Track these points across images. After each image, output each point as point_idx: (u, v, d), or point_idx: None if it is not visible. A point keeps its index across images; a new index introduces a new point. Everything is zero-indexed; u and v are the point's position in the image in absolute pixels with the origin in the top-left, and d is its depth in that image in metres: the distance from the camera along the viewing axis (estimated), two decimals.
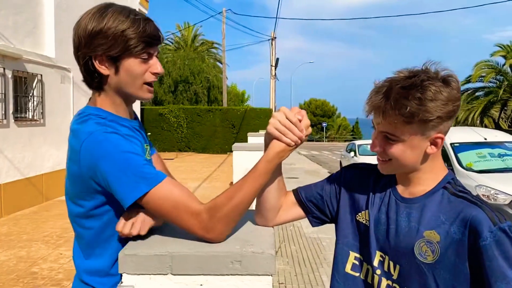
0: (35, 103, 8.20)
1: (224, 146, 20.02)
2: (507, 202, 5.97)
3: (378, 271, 1.14)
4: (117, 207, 1.17)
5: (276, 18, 20.54)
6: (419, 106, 1.00)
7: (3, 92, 7.15)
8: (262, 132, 12.07)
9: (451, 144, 7.39)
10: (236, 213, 1.10)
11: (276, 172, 1.18)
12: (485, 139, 7.57)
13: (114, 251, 1.21)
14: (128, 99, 1.22)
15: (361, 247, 1.20)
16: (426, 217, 1.07)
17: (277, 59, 20.40)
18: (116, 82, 1.16)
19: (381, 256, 1.14)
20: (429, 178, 1.11)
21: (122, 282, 1.07)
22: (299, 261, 5.21)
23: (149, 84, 1.19)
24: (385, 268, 1.13)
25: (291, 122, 1.07)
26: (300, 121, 1.08)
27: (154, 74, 1.18)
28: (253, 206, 1.24)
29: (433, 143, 1.07)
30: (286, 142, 1.08)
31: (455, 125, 26.36)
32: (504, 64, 25.40)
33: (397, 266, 1.10)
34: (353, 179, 1.25)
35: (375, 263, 1.14)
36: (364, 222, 1.18)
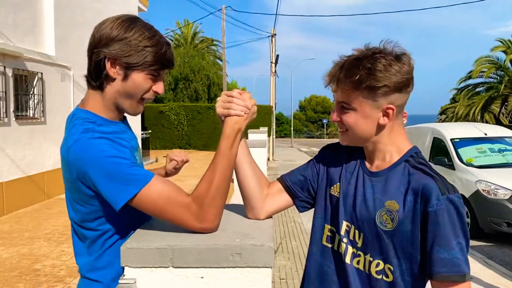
0: (35, 101, 8.22)
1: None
2: (507, 197, 5.98)
3: (345, 240, 1.20)
4: (111, 211, 1.17)
5: (276, 14, 20.52)
6: (368, 75, 1.09)
7: (4, 90, 7.16)
8: (263, 129, 12.08)
9: (451, 139, 7.40)
10: (221, 195, 1.13)
11: (246, 159, 1.25)
12: (485, 134, 7.57)
13: (112, 257, 1.25)
14: (118, 108, 1.25)
15: (332, 218, 1.25)
16: (388, 188, 1.14)
17: (277, 56, 20.38)
18: (119, 88, 1.20)
19: (347, 225, 1.20)
20: (392, 151, 1.18)
21: (124, 275, 1.09)
22: (300, 256, 5.24)
23: (143, 99, 1.24)
24: (351, 237, 1.19)
25: (231, 97, 1.15)
26: (240, 94, 1.16)
27: (155, 92, 1.24)
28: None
29: (385, 114, 1.13)
30: (234, 114, 1.14)
31: (455, 121, 26.36)
32: (504, 60, 25.35)
33: (361, 235, 1.17)
34: (329, 157, 1.32)
35: (342, 232, 1.21)
36: (335, 194, 1.24)
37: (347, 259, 1.20)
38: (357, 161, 1.25)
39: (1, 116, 7.13)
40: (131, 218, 1.25)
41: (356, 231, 1.18)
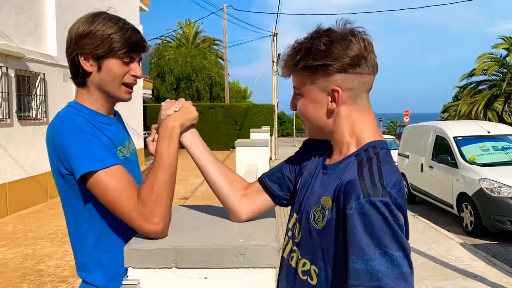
0: (38, 102, 8.24)
1: (226, 143, 20.01)
2: (511, 195, 5.96)
3: (290, 233, 1.16)
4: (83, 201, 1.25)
5: (278, 13, 20.51)
6: (307, 54, 1.01)
7: (7, 91, 7.18)
8: (265, 128, 12.07)
9: (454, 137, 7.38)
10: (164, 195, 1.13)
11: (208, 162, 1.24)
12: (489, 132, 7.55)
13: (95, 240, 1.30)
14: (108, 98, 1.31)
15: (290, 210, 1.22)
16: (328, 184, 1.04)
17: (279, 55, 20.32)
18: (98, 80, 1.27)
19: (295, 218, 1.15)
20: (350, 143, 1.06)
21: (127, 276, 1.09)
22: None
23: (128, 86, 1.30)
24: (294, 231, 1.14)
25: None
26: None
27: (133, 76, 1.29)
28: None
29: (332, 98, 1.03)
30: (162, 115, 1.22)
31: (458, 119, 26.29)
32: (506, 56, 25.26)
33: (301, 230, 1.10)
34: (306, 151, 1.25)
35: (290, 225, 1.17)
36: (297, 187, 1.19)
37: (285, 253, 1.16)
38: (325, 154, 1.16)
39: (4, 117, 7.15)
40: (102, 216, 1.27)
41: (297, 225, 1.12)
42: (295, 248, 1.11)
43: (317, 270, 1.02)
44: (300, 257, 1.07)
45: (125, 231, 1.28)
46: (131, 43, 1.25)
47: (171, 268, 1.08)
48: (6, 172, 7.14)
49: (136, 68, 1.29)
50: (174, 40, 35.44)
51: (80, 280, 1.42)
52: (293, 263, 1.11)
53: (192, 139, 1.26)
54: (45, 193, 8.21)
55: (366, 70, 1.02)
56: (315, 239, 1.02)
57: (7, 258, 5.00)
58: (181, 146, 1.24)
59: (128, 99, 1.33)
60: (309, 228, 1.05)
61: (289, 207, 1.27)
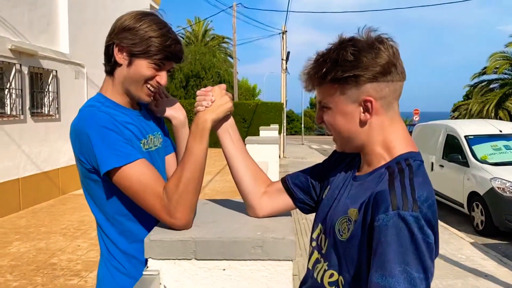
0: (50, 98, 8.34)
1: (241, 139, 19.98)
2: None
3: (314, 243, 1.15)
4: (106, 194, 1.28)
5: (287, 11, 20.46)
6: (334, 66, 0.97)
7: (20, 88, 7.28)
8: (274, 126, 12.07)
9: (465, 136, 7.31)
10: (190, 191, 1.15)
11: (238, 154, 1.25)
12: (500, 131, 7.47)
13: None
14: (128, 94, 1.33)
15: (314, 221, 1.20)
16: (357, 195, 1.02)
17: (288, 53, 20.30)
18: (125, 74, 1.29)
19: (320, 229, 1.13)
20: (382, 154, 1.02)
21: (148, 267, 1.12)
22: None
23: (150, 89, 1.31)
24: (319, 242, 1.12)
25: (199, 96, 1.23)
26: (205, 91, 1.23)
27: (157, 83, 1.30)
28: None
29: (365, 108, 0.99)
30: (196, 110, 1.21)
31: (469, 118, 26.01)
32: None
33: (327, 241, 1.08)
34: (335, 160, 1.23)
35: (314, 235, 1.15)
36: (324, 197, 1.17)
37: (310, 264, 1.14)
38: (355, 165, 1.13)
39: (18, 113, 7.25)
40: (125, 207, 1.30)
41: (323, 236, 1.10)
42: (321, 259, 1.10)
43: (343, 281, 1.01)
44: (326, 268, 1.06)
45: (149, 221, 1.32)
46: (168, 52, 1.27)
47: (191, 259, 1.10)
48: (19, 167, 7.24)
49: (163, 76, 1.30)
50: (183, 38, 35.53)
51: (92, 274, 1.45)
52: (319, 275, 1.09)
53: (225, 130, 1.26)
54: (56, 189, 8.31)
55: (397, 77, 0.99)
56: (340, 250, 1.01)
57: (21, 252, 5.08)
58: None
59: (147, 102, 1.35)
60: (334, 240, 1.03)
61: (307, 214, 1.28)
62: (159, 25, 1.27)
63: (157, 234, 1.14)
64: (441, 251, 5.21)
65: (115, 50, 1.27)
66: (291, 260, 1.09)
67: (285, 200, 1.24)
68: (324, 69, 0.99)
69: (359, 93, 0.98)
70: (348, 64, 0.96)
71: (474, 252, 5.26)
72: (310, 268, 1.14)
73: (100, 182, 1.26)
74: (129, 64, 1.28)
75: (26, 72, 7.47)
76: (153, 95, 1.35)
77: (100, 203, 1.32)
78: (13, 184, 7.09)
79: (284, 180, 1.26)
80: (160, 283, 1.11)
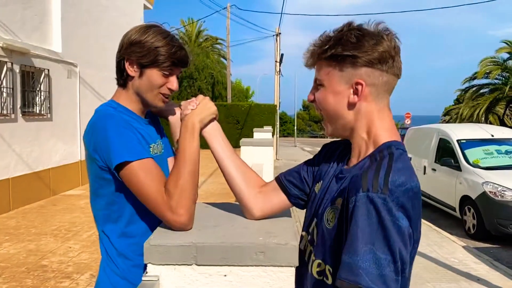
0: (42, 97, 8.25)
1: (229, 142, 20.01)
2: None
3: (309, 237, 1.14)
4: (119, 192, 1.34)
5: (281, 13, 20.47)
6: (337, 44, 1.01)
7: (11, 86, 7.19)
8: (267, 128, 12.08)
9: (457, 140, 7.37)
10: (189, 189, 1.20)
11: (226, 156, 1.27)
12: (492, 135, 7.54)
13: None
14: (143, 102, 1.41)
15: (306, 216, 1.20)
16: (343, 186, 1.03)
17: (282, 55, 20.33)
18: (138, 85, 1.37)
19: (315, 223, 1.12)
20: (367, 144, 1.04)
21: (147, 272, 1.09)
22: None
23: (163, 95, 1.38)
24: (314, 235, 1.11)
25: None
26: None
27: (169, 89, 1.38)
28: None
29: (355, 91, 1.02)
30: (183, 113, 1.28)
31: (460, 122, 26.28)
32: (508, 59, 25.23)
33: (318, 233, 1.09)
34: (325, 154, 1.24)
35: (309, 228, 1.15)
36: (316, 191, 1.17)
37: (306, 257, 1.14)
38: (345, 157, 1.15)
39: (8, 112, 7.15)
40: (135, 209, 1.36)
41: (315, 228, 1.11)
42: (313, 251, 1.10)
43: (331, 270, 1.01)
44: (314, 258, 1.07)
45: (152, 223, 1.36)
46: (175, 59, 1.34)
47: (191, 265, 1.08)
48: (9, 167, 7.14)
49: (173, 81, 1.38)
50: None
51: (84, 277, 1.49)
52: (310, 267, 1.10)
53: (213, 133, 1.30)
54: (47, 189, 8.21)
55: (392, 70, 1.01)
56: (327, 239, 1.02)
57: (11, 253, 5.00)
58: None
59: (162, 107, 1.42)
60: (322, 230, 1.05)
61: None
62: (163, 34, 1.35)
63: (157, 238, 1.12)
64: (433, 255, 5.24)
65: (126, 64, 1.36)
66: (294, 266, 1.08)
67: (280, 198, 1.24)
68: (327, 46, 1.02)
69: (353, 75, 1.01)
70: (350, 45, 0.99)
71: (466, 256, 5.30)
72: (306, 260, 1.14)
73: (112, 181, 1.32)
74: (141, 75, 1.36)
75: (17, 70, 7.38)
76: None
77: (108, 202, 1.37)
78: (3, 184, 6.99)
79: (277, 178, 1.27)
80: None
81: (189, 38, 35.02)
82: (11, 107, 7.19)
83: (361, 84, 1.00)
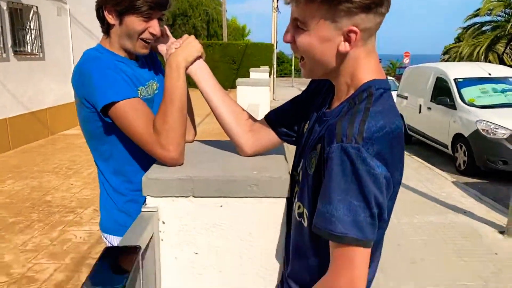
0: (33, 36, 8.01)
1: (224, 82, 19.76)
2: (505, 136, 6.08)
3: (296, 177, 1.10)
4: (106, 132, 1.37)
5: None
6: None
7: (0, 24, 6.96)
8: (264, 68, 11.90)
9: (454, 79, 7.34)
10: (178, 124, 1.23)
11: (215, 96, 1.28)
12: (490, 74, 7.50)
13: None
14: (126, 49, 1.40)
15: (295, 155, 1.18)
16: (322, 132, 0.99)
17: None
18: (119, 33, 1.36)
19: (300, 163, 1.09)
20: (349, 86, 0.98)
21: (146, 204, 1.16)
22: None
23: (144, 41, 1.37)
24: (300, 176, 1.08)
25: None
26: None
27: (151, 34, 1.35)
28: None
29: (346, 38, 0.91)
30: (167, 51, 1.30)
31: (459, 61, 25.91)
32: None
33: (302, 175, 1.06)
34: (314, 89, 1.18)
35: (297, 168, 1.11)
36: (304, 131, 1.14)
37: (293, 197, 1.11)
38: (328, 100, 1.08)
39: (0, 51, 6.99)
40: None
41: (301, 171, 1.07)
42: (297, 193, 1.08)
43: (307, 214, 1.00)
44: (296, 199, 1.07)
45: (145, 161, 1.38)
46: (151, 2, 1.31)
47: (188, 197, 1.15)
48: (6, 107, 7.13)
49: (154, 25, 1.35)
50: None
51: (87, 211, 1.58)
52: (294, 206, 1.09)
53: (200, 71, 1.29)
54: (45, 129, 8.26)
55: (385, 9, 0.91)
56: (307, 184, 1.00)
57: (15, 190, 5.16)
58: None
59: (145, 53, 1.40)
60: (304, 174, 1.02)
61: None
62: None
63: (155, 172, 1.18)
64: (424, 190, 5.44)
65: (105, 13, 1.34)
66: (285, 198, 1.15)
67: (270, 135, 1.25)
68: None
69: (347, 22, 0.89)
70: None
71: (454, 190, 5.51)
72: (294, 200, 1.12)
73: (100, 122, 1.35)
74: (121, 23, 1.34)
75: (5, 7, 7.11)
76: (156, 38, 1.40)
77: (98, 142, 1.42)
78: (1, 124, 7.02)
79: (267, 116, 1.27)
80: (159, 219, 1.16)
81: None
82: (1, 46, 7.02)
83: (355, 32, 0.89)
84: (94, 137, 1.42)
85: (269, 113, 1.28)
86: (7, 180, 5.58)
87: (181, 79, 1.24)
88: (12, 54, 7.31)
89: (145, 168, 1.24)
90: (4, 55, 7.07)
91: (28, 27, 7.93)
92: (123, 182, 1.45)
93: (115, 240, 1.49)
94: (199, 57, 1.29)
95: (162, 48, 1.44)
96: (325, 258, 0.90)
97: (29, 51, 7.96)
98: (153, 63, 1.55)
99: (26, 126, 7.63)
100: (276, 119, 1.25)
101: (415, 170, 6.53)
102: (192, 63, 1.27)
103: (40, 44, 8.16)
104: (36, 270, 3.27)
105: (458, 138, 6.83)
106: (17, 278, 3.16)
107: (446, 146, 7.28)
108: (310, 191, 0.98)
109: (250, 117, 1.32)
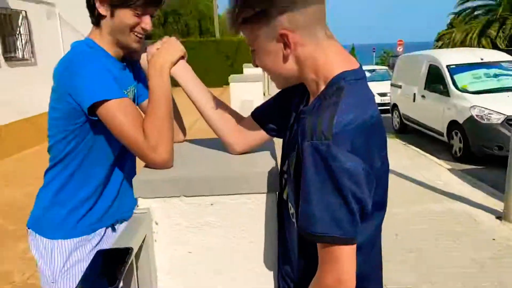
0: (23, 41, 7.97)
1: (219, 79, 19.66)
2: (500, 121, 6.10)
3: (286, 175, 1.10)
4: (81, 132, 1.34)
5: None
6: (244, 7, 0.94)
7: None
8: None
9: (447, 66, 7.35)
10: (166, 126, 1.24)
11: (201, 96, 1.29)
12: (482, 59, 7.52)
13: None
14: (118, 43, 1.36)
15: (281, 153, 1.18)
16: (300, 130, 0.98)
17: None
18: (110, 25, 1.32)
19: (286, 162, 1.09)
20: (318, 83, 0.97)
21: (138, 206, 1.17)
22: None
23: (137, 35, 1.34)
24: (287, 175, 1.07)
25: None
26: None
27: (143, 29, 1.33)
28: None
29: (284, 43, 0.94)
30: (149, 54, 1.32)
31: (452, 47, 25.89)
32: None
33: (288, 174, 1.06)
34: (293, 86, 1.14)
35: (283, 167, 1.12)
36: (289, 126, 1.14)
37: (285, 195, 1.11)
38: (305, 97, 1.09)
39: None
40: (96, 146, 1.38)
41: (287, 171, 1.06)
42: (287, 191, 1.09)
43: (294, 214, 1.00)
44: (287, 198, 1.08)
45: (102, 184, 1.43)
46: None
47: (179, 196, 1.16)
48: (1, 115, 7.10)
49: (147, 21, 1.33)
50: None
51: None
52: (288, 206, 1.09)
53: (184, 72, 1.30)
54: (40, 134, 8.22)
55: (309, 1, 0.91)
56: (291, 185, 1.00)
57: (13, 197, 5.15)
58: (174, 84, 1.29)
59: (137, 48, 1.37)
60: (288, 174, 1.03)
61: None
62: None
63: (145, 174, 1.19)
64: (420, 178, 5.46)
65: (97, 3, 1.29)
66: (276, 192, 1.16)
67: (258, 132, 1.25)
68: (237, 11, 0.95)
69: (272, 29, 0.93)
70: (254, 0, 0.92)
71: (451, 178, 5.53)
72: (285, 198, 1.12)
73: (79, 119, 1.31)
74: (112, 14, 1.30)
75: None
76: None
77: (68, 138, 1.36)
78: None
79: (253, 113, 1.27)
80: (152, 219, 1.17)
81: None
82: None
83: (286, 35, 0.92)
84: (64, 131, 1.35)
85: (255, 109, 1.29)
86: (4, 187, 5.57)
87: (166, 79, 1.25)
88: (3, 60, 7.28)
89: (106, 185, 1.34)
90: None
91: (18, 32, 7.89)
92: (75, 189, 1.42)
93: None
94: (181, 58, 1.30)
95: (142, 55, 1.42)
96: (315, 257, 0.91)
97: (21, 56, 7.92)
98: (133, 68, 1.52)
99: (21, 133, 7.60)
100: (262, 115, 1.25)
101: (411, 159, 6.56)
102: (175, 64, 1.28)
103: (31, 49, 8.12)
104: (38, 278, 3.27)
105: (453, 125, 6.85)
106: (20, 286, 3.17)
107: (441, 134, 7.30)
108: (293, 191, 0.98)
109: (237, 115, 1.32)
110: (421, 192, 4.97)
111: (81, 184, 1.42)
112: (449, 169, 5.96)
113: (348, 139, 0.84)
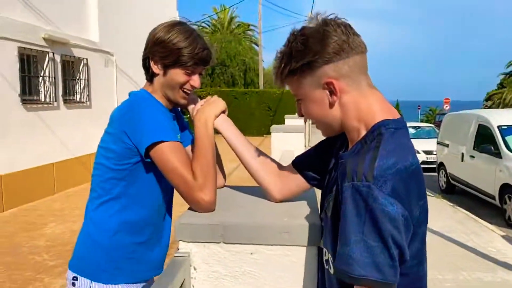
0: (81, 86, 8.57)
1: (260, 129, 20.06)
2: None
3: (322, 222, 1.11)
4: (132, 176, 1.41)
5: None
6: (290, 60, 1.00)
7: (53, 75, 7.51)
8: None
9: (498, 126, 7.09)
10: (211, 171, 1.30)
11: (241, 147, 1.34)
12: None
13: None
14: (167, 98, 1.48)
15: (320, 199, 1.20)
16: (340, 173, 0.99)
17: None
18: (162, 81, 1.44)
19: (323, 206, 1.11)
20: (359, 130, 1.00)
21: (178, 249, 1.16)
22: None
23: (185, 92, 1.45)
24: (323, 220, 1.09)
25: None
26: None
27: (192, 86, 1.45)
28: None
29: (330, 91, 0.99)
30: (194, 108, 1.44)
31: (502, 107, 25.09)
32: None
33: (325, 219, 1.07)
34: (334, 136, 1.18)
35: (322, 214, 1.11)
36: (328, 174, 1.15)
37: (321, 244, 1.11)
38: (345, 144, 1.12)
39: (51, 100, 7.50)
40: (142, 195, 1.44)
41: (324, 214, 1.08)
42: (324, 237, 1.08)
43: (332, 259, 0.98)
44: (322, 246, 1.07)
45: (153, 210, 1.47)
46: (197, 59, 1.41)
47: (219, 243, 1.14)
48: (53, 153, 7.51)
49: (196, 79, 1.45)
50: (209, 26, 35.57)
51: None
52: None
53: (225, 124, 1.38)
54: (88, 173, 8.56)
55: (352, 52, 0.97)
56: (328, 228, 1.00)
57: (57, 233, 5.31)
58: (217, 132, 1.36)
59: (183, 104, 1.48)
60: (325, 217, 1.03)
61: None
62: (186, 33, 1.40)
63: (186, 218, 1.19)
64: (470, 244, 5.12)
65: (151, 63, 1.43)
66: (317, 246, 1.11)
67: (298, 181, 1.26)
68: (283, 65, 1.02)
69: (318, 78, 0.99)
70: (300, 54, 0.98)
71: (505, 246, 5.14)
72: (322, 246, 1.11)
73: (133, 160, 1.38)
74: (165, 73, 1.42)
75: (58, 60, 7.69)
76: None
77: (119, 179, 1.42)
78: (48, 168, 7.37)
79: (293, 161, 1.29)
80: (190, 265, 1.15)
81: (221, 25, 35.05)
82: (53, 95, 7.53)
83: (332, 83, 0.98)
84: (117, 171, 1.41)
85: (296, 157, 1.31)
86: (50, 223, 5.76)
87: (211, 130, 1.34)
88: (62, 102, 7.81)
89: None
90: (55, 103, 7.57)
91: (78, 77, 8.50)
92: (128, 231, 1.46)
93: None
94: (223, 112, 1.40)
95: (190, 107, 1.52)
96: None
97: (78, 100, 8.47)
98: (179, 119, 1.62)
99: (70, 171, 7.96)
100: (302, 163, 1.27)
101: (460, 222, 6.19)
102: (217, 117, 1.38)
103: (88, 93, 8.69)
104: None
105: (505, 188, 6.47)
106: None
107: (493, 197, 6.90)
108: (331, 235, 0.97)
109: (277, 163, 1.35)
110: (471, 259, 4.63)
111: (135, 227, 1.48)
112: (502, 236, 5.55)
113: (389, 182, 0.83)
